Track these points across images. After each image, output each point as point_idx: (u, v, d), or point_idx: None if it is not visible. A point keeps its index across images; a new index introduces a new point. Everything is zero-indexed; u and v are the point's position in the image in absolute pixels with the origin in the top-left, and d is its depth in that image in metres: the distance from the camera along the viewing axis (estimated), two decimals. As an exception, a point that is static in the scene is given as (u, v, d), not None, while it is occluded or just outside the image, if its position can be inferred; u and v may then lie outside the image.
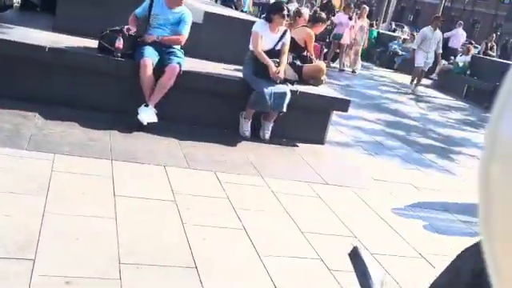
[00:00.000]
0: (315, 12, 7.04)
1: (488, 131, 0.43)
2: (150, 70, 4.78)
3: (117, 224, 3.06)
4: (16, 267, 2.46)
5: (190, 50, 5.42)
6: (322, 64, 6.49)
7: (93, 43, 5.16)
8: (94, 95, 5.02)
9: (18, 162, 3.64)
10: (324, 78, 6.15)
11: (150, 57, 4.84)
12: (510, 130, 0.42)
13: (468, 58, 13.84)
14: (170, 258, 2.86)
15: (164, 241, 3.03)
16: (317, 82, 5.98)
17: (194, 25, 5.47)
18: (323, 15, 6.52)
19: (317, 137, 5.69)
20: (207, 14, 6.13)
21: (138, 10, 5.12)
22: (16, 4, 7.17)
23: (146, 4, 5.13)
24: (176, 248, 2.97)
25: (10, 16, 6.32)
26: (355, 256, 0.88)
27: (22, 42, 4.86)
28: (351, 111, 6.27)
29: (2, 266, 2.45)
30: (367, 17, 14.39)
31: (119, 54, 4.91)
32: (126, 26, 4.97)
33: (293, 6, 10.43)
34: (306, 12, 6.95)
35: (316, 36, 6.37)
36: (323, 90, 5.97)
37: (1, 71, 4.85)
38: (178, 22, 5.12)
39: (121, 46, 4.87)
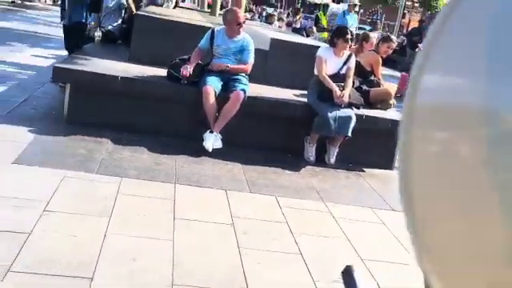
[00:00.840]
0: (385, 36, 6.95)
1: (406, 99, 0.45)
2: (212, 98, 4.91)
3: (174, 246, 3.14)
4: (75, 284, 2.58)
5: (256, 76, 5.51)
6: (390, 87, 6.36)
7: (162, 72, 5.39)
8: (162, 122, 5.22)
9: (88, 184, 3.85)
10: (393, 101, 6.02)
11: (213, 84, 4.98)
12: (426, 98, 0.44)
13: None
14: (223, 281, 2.88)
15: (218, 264, 3.06)
16: (385, 105, 5.87)
17: (260, 51, 5.57)
18: (391, 36, 6.43)
19: (384, 162, 5.55)
20: (273, 41, 6.23)
21: (201, 43, 5.30)
22: (97, 38, 7.65)
23: (207, 36, 5.30)
24: (230, 271, 2.99)
25: (92, 48, 6.74)
26: (348, 275, 0.86)
27: (98, 72, 5.17)
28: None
29: (62, 282, 2.58)
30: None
31: (185, 82, 5.09)
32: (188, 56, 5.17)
33: (375, 34, 10.32)
34: (374, 37, 6.87)
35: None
36: (391, 113, 5.84)
37: (79, 100, 5.17)
38: (241, 50, 5.24)
39: (187, 74, 5.05)
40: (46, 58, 8.81)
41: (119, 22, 7.48)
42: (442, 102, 0.43)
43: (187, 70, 5.05)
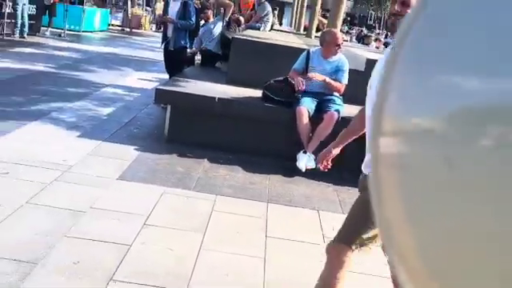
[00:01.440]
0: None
1: (374, 107, 0.46)
2: (305, 118, 4.94)
3: (265, 263, 3.17)
4: (170, 296, 2.69)
5: (350, 97, 5.47)
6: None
7: (258, 93, 5.51)
8: (257, 141, 5.33)
9: (185, 201, 4.01)
10: None
11: (307, 105, 5.01)
12: (393, 107, 0.45)
13: None
14: (314, 301, 2.86)
15: (307, 282, 3.04)
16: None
17: (356, 72, 5.54)
18: None
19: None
20: (369, 61, 6.16)
21: (296, 65, 5.35)
22: (197, 61, 8.00)
23: (302, 57, 5.35)
24: (320, 292, 2.96)
25: (191, 71, 7.07)
26: None
27: (197, 94, 5.40)
28: None
29: (158, 293, 2.70)
30: None
31: (300, 95, 5.16)
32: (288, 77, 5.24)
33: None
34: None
35: None
36: None
37: (179, 120, 5.43)
38: (336, 70, 5.23)
39: (303, 87, 5.11)
40: (150, 80, 9.34)
41: (218, 45, 7.77)
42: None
43: (302, 83, 5.10)
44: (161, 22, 7.62)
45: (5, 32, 12.34)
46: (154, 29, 21.91)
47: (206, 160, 4.99)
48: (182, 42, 7.12)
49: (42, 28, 14.60)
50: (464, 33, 0.42)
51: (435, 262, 0.43)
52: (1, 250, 2.88)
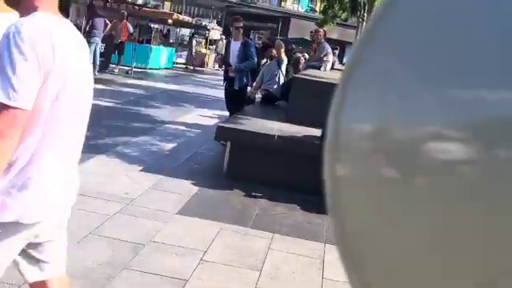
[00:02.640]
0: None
1: (330, 122, 0.48)
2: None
3: (321, 306, 3.12)
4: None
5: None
6: None
7: (318, 132, 5.52)
8: (316, 181, 5.26)
9: (242, 238, 4.02)
10: None
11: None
12: (348, 122, 0.48)
13: None
14: None
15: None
16: None
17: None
18: None
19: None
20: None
21: None
22: (257, 99, 8.13)
23: None
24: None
25: (251, 109, 7.18)
26: None
27: (256, 131, 5.47)
28: None
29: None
30: None
31: None
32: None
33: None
34: None
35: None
36: None
37: (238, 157, 5.50)
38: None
39: None
40: (211, 117, 9.55)
41: (278, 87, 7.88)
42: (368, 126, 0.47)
43: None
44: (223, 62, 7.82)
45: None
46: (216, 67, 22.50)
47: (263, 197, 5.01)
48: (245, 81, 7.27)
49: (111, 65, 15.32)
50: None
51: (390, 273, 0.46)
52: (64, 279, 2.98)
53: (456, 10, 0.43)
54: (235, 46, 7.20)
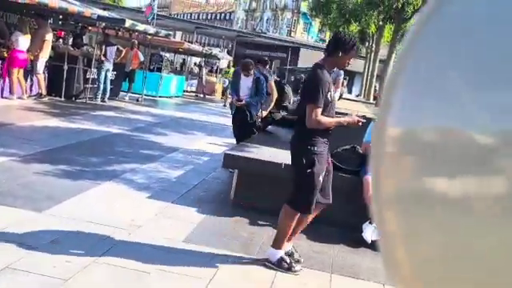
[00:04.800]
0: None
1: (378, 119, 0.49)
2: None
3: (326, 338, 3.06)
4: None
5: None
6: None
7: (325, 161, 5.51)
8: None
9: (248, 267, 3.98)
10: None
11: (374, 174, 4.94)
12: (395, 125, 0.49)
13: None
14: None
15: None
16: None
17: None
18: None
19: None
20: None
21: (367, 137, 5.34)
22: (269, 127, 8.15)
23: (370, 128, 5.34)
24: None
25: (259, 137, 7.19)
26: None
27: (263, 159, 5.47)
28: None
29: None
30: None
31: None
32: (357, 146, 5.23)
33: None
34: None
35: None
36: None
37: (245, 185, 5.49)
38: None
39: None
40: (220, 145, 9.58)
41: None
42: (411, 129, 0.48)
43: None
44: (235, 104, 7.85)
45: (87, 96, 13.19)
46: (227, 103, 22.68)
47: (270, 226, 4.98)
48: (256, 113, 7.39)
49: (122, 93, 15.49)
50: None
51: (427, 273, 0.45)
52: (67, 307, 2.96)
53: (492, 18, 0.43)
54: (247, 80, 7.30)
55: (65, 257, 3.61)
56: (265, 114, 7.79)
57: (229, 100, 7.71)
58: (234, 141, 7.95)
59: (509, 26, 0.42)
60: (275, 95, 7.95)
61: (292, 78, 23.86)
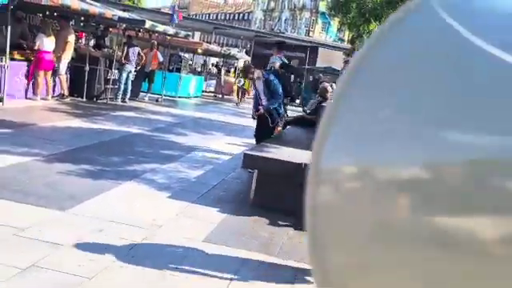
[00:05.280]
0: None
1: (312, 159, 0.50)
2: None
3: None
4: None
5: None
6: None
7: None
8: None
9: (268, 266, 4.00)
10: None
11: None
12: (329, 160, 0.49)
13: None
14: None
15: None
16: None
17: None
18: None
19: None
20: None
21: None
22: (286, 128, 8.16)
23: None
24: None
25: (279, 137, 7.20)
26: None
27: (283, 159, 5.47)
28: None
29: None
30: None
31: None
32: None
33: None
34: None
35: None
36: None
37: (265, 185, 5.51)
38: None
39: None
40: (239, 145, 9.61)
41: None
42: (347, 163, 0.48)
43: None
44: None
45: (108, 96, 13.33)
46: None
47: (290, 226, 4.99)
48: (275, 117, 7.42)
49: (141, 93, 15.62)
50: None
51: None
52: (91, 305, 3.00)
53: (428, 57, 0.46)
54: (260, 83, 7.34)
55: (89, 255, 3.67)
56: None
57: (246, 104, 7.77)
58: (253, 141, 7.97)
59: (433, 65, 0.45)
60: None
61: (310, 78, 23.78)
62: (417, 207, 0.43)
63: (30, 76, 10.87)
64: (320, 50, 31.13)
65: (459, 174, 0.41)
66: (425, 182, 0.42)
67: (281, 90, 7.36)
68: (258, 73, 7.38)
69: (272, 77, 7.41)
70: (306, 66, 26.49)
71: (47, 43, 10.82)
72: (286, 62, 9.24)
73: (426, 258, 0.42)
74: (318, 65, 27.79)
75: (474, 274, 0.41)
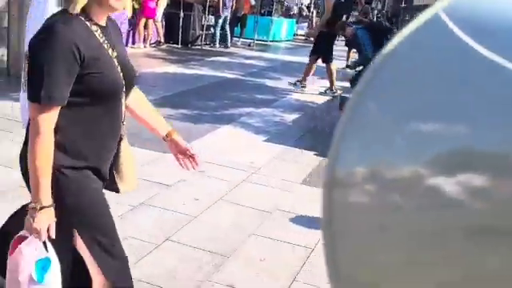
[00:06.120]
0: None
1: (328, 163, 0.55)
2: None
3: None
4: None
5: None
6: None
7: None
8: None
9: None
10: None
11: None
12: (345, 164, 0.54)
13: None
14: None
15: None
16: None
17: None
18: None
19: None
20: None
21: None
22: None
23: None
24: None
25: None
26: None
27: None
28: None
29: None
30: None
31: None
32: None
33: None
34: None
35: None
36: None
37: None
38: None
39: None
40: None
41: None
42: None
43: None
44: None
45: (203, 42, 13.53)
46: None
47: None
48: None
49: (234, 38, 15.69)
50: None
51: None
52: (199, 241, 3.16)
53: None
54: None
55: (193, 194, 3.84)
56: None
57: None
58: (348, 84, 7.80)
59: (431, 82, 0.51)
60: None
61: (407, 17, 22.59)
62: (425, 207, 0.47)
63: (137, 24, 11.28)
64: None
65: (471, 177, 0.45)
66: (435, 183, 0.46)
67: (369, 48, 7.07)
68: (350, 30, 7.16)
69: (361, 33, 7.14)
70: (403, 5, 25.14)
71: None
72: None
73: (435, 255, 0.47)
74: (415, 3, 26.28)
75: (472, 274, 0.46)
